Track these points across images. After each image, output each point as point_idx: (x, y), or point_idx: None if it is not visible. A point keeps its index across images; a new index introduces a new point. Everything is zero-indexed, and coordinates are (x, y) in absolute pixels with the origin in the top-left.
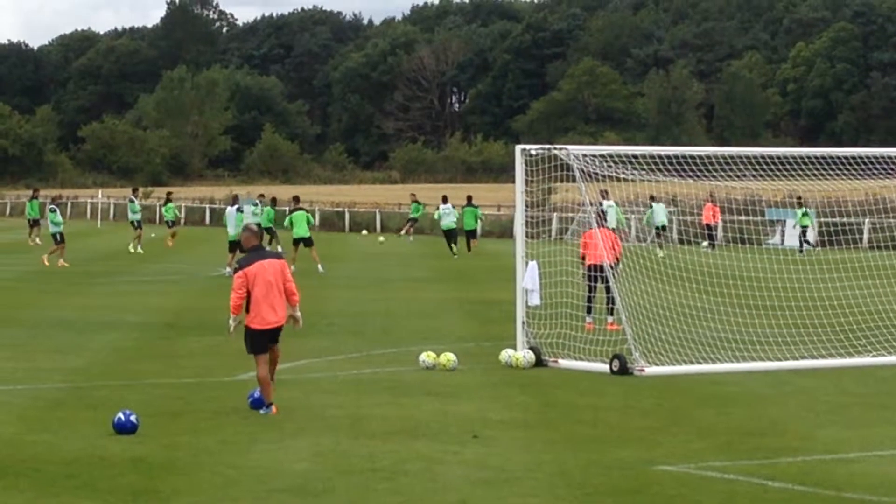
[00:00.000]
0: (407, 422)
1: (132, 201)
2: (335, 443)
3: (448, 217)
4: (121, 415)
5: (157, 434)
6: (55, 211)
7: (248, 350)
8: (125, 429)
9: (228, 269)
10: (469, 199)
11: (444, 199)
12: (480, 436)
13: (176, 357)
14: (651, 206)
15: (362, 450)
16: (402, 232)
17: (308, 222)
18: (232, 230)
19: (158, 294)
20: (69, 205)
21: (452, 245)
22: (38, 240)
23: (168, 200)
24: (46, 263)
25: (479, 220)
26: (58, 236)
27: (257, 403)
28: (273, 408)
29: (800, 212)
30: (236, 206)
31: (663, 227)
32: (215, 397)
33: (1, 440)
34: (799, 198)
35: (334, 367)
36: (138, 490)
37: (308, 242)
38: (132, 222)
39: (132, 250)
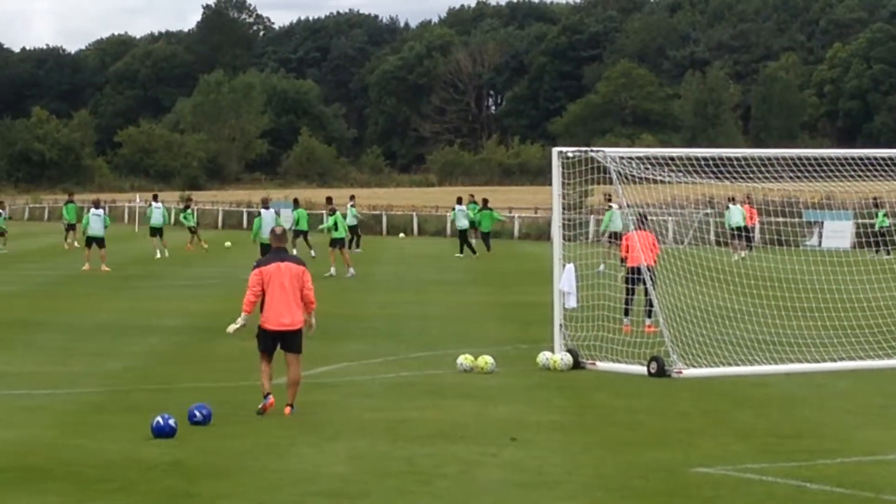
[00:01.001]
0: (445, 425)
1: (187, 208)
2: (373, 446)
3: (462, 219)
4: (159, 419)
5: (195, 438)
6: (99, 215)
7: (258, 347)
8: (163, 433)
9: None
10: (485, 201)
11: (459, 201)
12: (518, 438)
13: (213, 361)
14: (728, 208)
15: (400, 453)
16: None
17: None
18: (267, 234)
19: (195, 298)
20: (106, 209)
21: (465, 246)
22: (75, 244)
23: (186, 206)
24: (105, 269)
25: (493, 223)
26: (93, 240)
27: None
28: (270, 399)
29: (881, 213)
30: (275, 210)
31: (739, 229)
32: (253, 401)
33: (39, 444)
34: (875, 198)
35: (372, 371)
36: (176, 494)
37: (341, 244)
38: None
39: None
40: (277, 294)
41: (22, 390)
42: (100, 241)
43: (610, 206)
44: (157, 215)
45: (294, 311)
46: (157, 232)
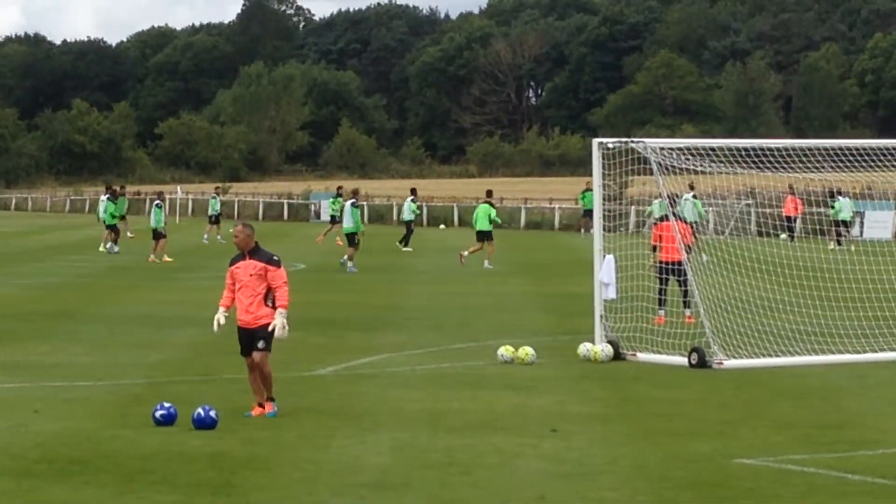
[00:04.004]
0: (485, 416)
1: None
2: (413, 437)
3: (406, 211)
4: (200, 410)
5: (237, 429)
6: (160, 207)
7: (269, 347)
8: (205, 424)
9: (346, 260)
10: (488, 193)
11: (413, 192)
12: (559, 429)
13: None
14: (838, 200)
15: (440, 444)
16: (583, 231)
17: (490, 217)
18: (349, 223)
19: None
20: (147, 201)
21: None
22: (128, 234)
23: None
24: (155, 260)
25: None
26: (158, 231)
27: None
28: (257, 410)
29: None
30: (352, 201)
31: (845, 223)
32: (294, 392)
33: (81, 435)
34: None
35: (412, 362)
36: (217, 485)
37: (488, 236)
38: (210, 216)
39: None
40: (239, 292)
41: (64, 382)
42: (156, 233)
43: (687, 196)
44: (216, 205)
45: (252, 309)
46: (216, 220)
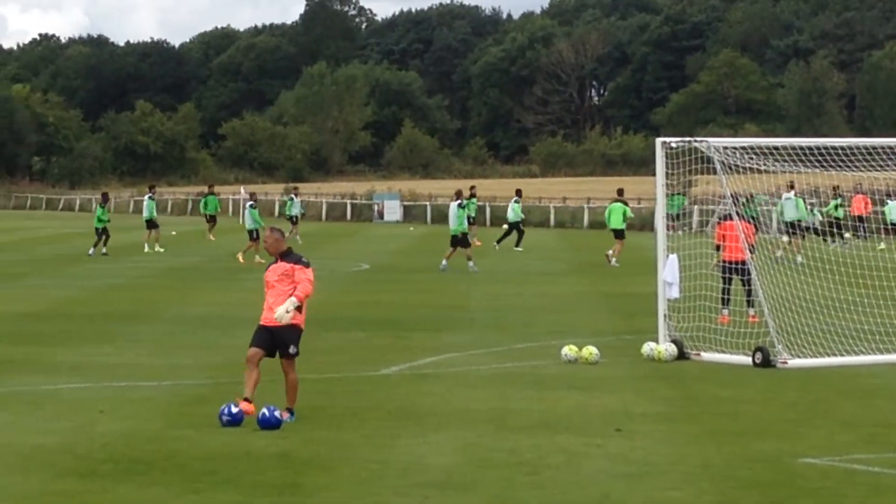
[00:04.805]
0: (549, 415)
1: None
2: (477, 437)
3: (511, 212)
4: (265, 410)
5: (301, 429)
6: (255, 208)
7: (298, 352)
8: (269, 424)
9: (471, 264)
10: (619, 192)
11: (518, 193)
12: (623, 429)
13: (317, 352)
14: (888, 202)
15: (505, 444)
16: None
17: (625, 215)
18: (454, 224)
19: None
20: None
21: (507, 239)
22: (210, 236)
23: (210, 193)
24: (259, 261)
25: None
26: (254, 233)
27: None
28: (243, 404)
29: None
30: (458, 202)
31: (894, 225)
32: (358, 392)
33: (145, 436)
34: None
35: (476, 362)
36: (281, 485)
37: (620, 235)
38: (290, 217)
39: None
40: (267, 292)
41: (127, 382)
42: (251, 234)
43: (788, 195)
44: (298, 206)
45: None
46: (296, 220)
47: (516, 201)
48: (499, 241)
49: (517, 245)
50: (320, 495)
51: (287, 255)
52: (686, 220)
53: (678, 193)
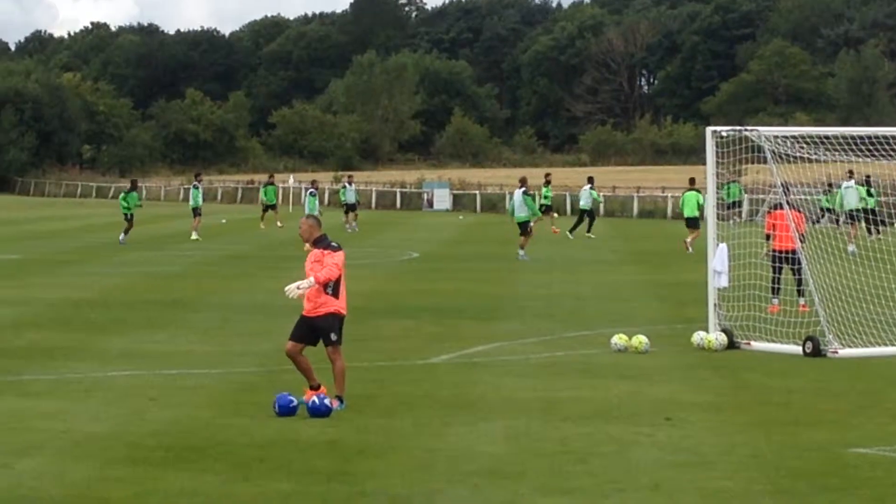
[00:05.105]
0: (599, 404)
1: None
2: (527, 425)
3: (585, 198)
4: (315, 398)
5: (351, 417)
6: (315, 196)
7: (339, 340)
8: (319, 412)
9: (522, 252)
10: (692, 181)
11: (590, 180)
12: (673, 418)
13: (368, 340)
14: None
15: (554, 432)
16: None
17: (699, 204)
18: (522, 212)
19: (349, 278)
20: (261, 190)
21: (582, 226)
22: (278, 223)
23: (269, 183)
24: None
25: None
26: None
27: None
28: (309, 393)
29: None
30: (522, 190)
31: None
32: (408, 380)
33: (196, 423)
34: None
35: (526, 350)
36: (332, 473)
37: (696, 223)
38: (346, 205)
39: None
40: (343, 280)
41: (178, 370)
42: None
43: (849, 184)
44: (350, 195)
45: (312, 298)
46: (352, 208)
47: (591, 188)
48: (571, 231)
49: (588, 231)
50: (371, 483)
51: (319, 242)
52: (739, 209)
53: (734, 182)
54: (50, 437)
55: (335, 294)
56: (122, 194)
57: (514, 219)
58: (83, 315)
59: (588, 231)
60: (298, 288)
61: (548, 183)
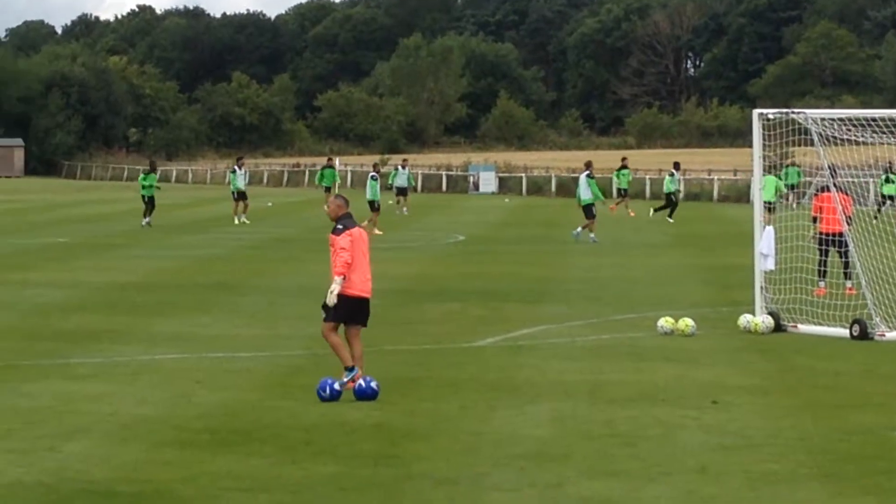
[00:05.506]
0: (646, 387)
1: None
2: (573, 408)
3: (673, 183)
4: (361, 381)
5: (397, 400)
6: (376, 180)
7: (328, 317)
8: (366, 395)
9: (592, 235)
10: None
11: (676, 166)
12: (719, 401)
13: (414, 323)
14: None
15: (601, 415)
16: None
17: (777, 189)
18: (587, 195)
19: (396, 261)
20: (306, 173)
21: (659, 209)
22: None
23: (328, 166)
24: (377, 232)
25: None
26: (374, 204)
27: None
28: (358, 371)
29: None
30: (587, 173)
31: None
32: (454, 363)
33: (244, 406)
34: None
35: (572, 333)
36: (378, 456)
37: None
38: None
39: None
40: (360, 260)
41: (225, 353)
42: (372, 205)
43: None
44: (402, 178)
45: (370, 279)
46: (402, 192)
47: (671, 174)
48: (666, 213)
49: (669, 216)
50: (417, 466)
51: (338, 221)
52: (796, 192)
53: (792, 165)
54: (97, 420)
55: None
56: (140, 176)
57: (582, 202)
58: (130, 298)
59: (653, 213)
60: (331, 293)
61: (624, 167)
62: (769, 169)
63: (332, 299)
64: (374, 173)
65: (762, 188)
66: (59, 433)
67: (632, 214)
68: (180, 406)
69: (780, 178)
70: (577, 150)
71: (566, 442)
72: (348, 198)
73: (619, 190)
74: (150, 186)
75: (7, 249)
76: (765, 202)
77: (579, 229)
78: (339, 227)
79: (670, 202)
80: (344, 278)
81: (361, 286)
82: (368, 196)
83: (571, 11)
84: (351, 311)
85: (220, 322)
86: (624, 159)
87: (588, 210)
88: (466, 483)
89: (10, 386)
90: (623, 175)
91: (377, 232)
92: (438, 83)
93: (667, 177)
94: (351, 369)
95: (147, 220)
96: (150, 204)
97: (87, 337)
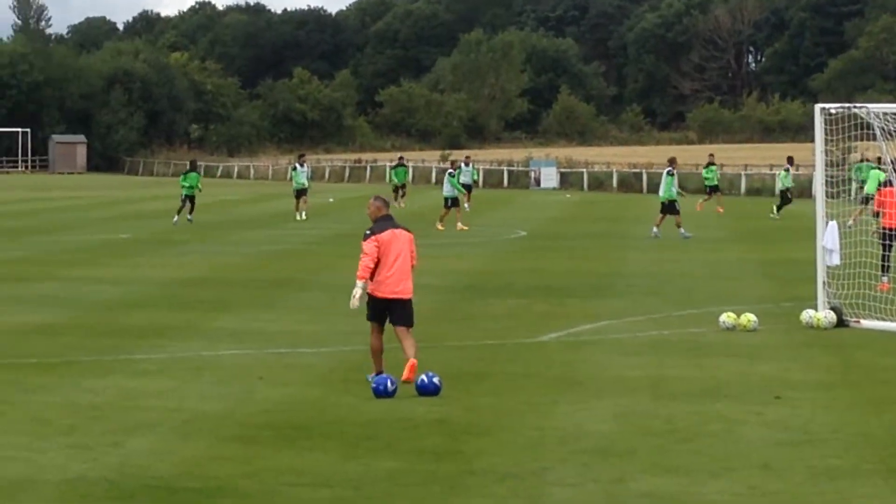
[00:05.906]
0: (707, 383)
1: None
2: (636, 404)
3: (788, 179)
4: (424, 377)
5: (460, 396)
6: (454, 175)
7: (367, 316)
8: (428, 391)
9: (656, 230)
10: (878, 159)
11: (790, 160)
12: (782, 397)
13: (476, 319)
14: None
15: (663, 411)
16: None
17: (879, 182)
18: (663, 191)
19: (457, 257)
20: (368, 169)
21: (778, 207)
22: (401, 203)
23: (399, 164)
24: (462, 228)
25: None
26: (448, 201)
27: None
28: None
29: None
30: (668, 170)
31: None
32: (517, 359)
33: (306, 402)
34: None
35: (634, 329)
36: (441, 451)
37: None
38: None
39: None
40: (392, 261)
41: (287, 349)
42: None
43: None
44: (466, 176)
45: (408, 279)
46: (466, 188)
47: (786, 170)
48: (779, 210)
49: (777, 212)
50: (480, 461)
51: (376, 222)
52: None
53: (864, 161)
54: (160, 416)
55: (371, 277)
56: (182, 175)
57: (661, 198)
58: (192, 294)
59: (776, 212)
60: (354, 297)
61: (711, 163)
62: (878, 162)
63: (353, 303)
64: (451, 170)
65: (866, 181)
66: (123, 429)
67: (720, 210)
68: (243, 402)
69: (852, 172)
70: (637, 145)
71: (628, 437)
72: (407, 193)
73: (707, 187)
74: (191, 187)
75: (69, 245)
76: (866, 195)
77: (655, 229)
78: (368, 231)
79: (785, 198)
80: (365, 282)
81: (392, 287)
82: (446, 193)
83: (632, 6)
84: (379, 312)
85: (281, 318)
86: (711, 156)
87: (671, 207)
88: (529, 478)
89: (72, 381)
90: (711, 171)
91: (462, 227)
92: (499, 79)
93: (781, 172)
94: (378, 374)
95: (185, 217)
96: (186, 202)
97: (149, 333)
